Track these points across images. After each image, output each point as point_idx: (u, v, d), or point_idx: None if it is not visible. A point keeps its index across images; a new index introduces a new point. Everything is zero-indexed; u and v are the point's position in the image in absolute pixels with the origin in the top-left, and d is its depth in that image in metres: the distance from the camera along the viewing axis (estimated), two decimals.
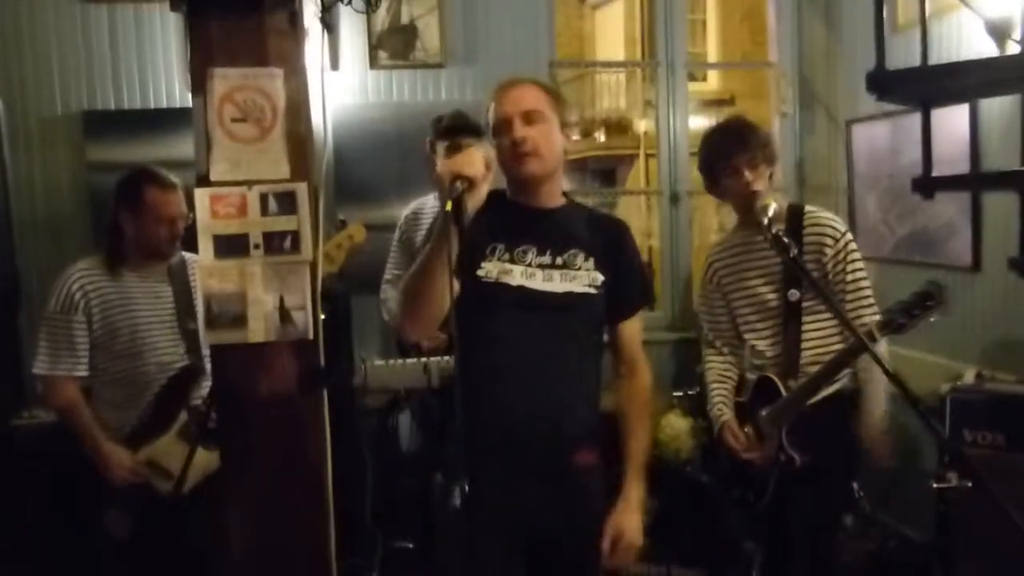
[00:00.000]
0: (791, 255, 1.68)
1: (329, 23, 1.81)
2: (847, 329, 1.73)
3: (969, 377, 2.70)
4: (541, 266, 1.76)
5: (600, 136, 12.08)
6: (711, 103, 11.11)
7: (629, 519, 1.80)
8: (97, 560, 2.42)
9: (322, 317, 1.77)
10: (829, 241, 2.30)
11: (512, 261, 1.75)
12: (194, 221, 1.70)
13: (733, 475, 2.46)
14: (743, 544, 2.93)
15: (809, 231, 2.33)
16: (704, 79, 11.22)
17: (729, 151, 2.29)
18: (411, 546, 3.28)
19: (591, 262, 1.80)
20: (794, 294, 2.31)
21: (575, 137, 1.89)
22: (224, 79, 1.62)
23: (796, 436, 2.28)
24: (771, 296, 2.36)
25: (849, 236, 2.33)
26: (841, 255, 2.29)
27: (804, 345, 2.33)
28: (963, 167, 2.95)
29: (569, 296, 1.76)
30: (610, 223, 1.91)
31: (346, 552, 1.98)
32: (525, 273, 1.75)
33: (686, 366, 3.89)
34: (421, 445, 3.64)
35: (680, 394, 3.69)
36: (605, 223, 1.89)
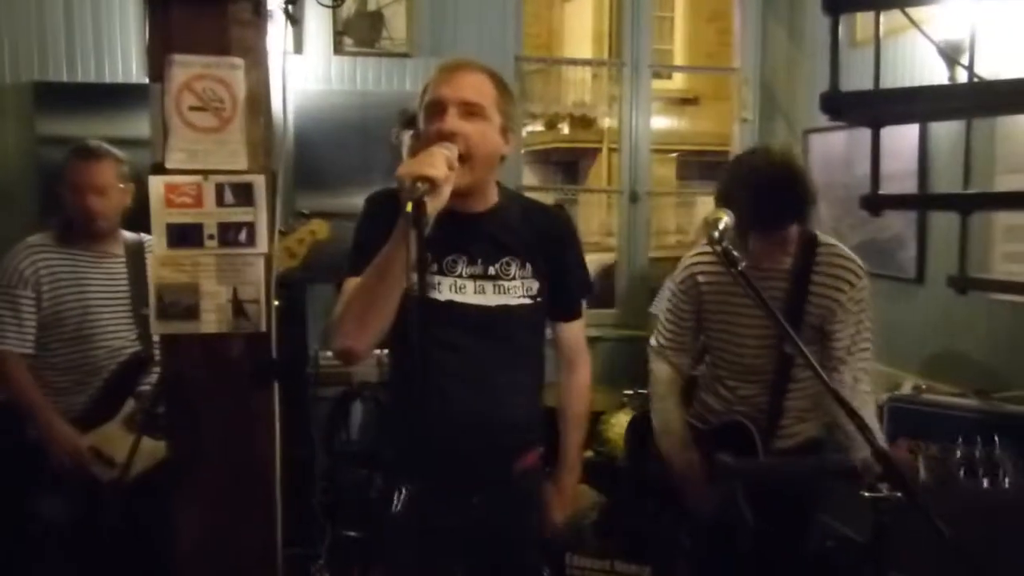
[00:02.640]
0: (738, 269, 1.63)
1: (294, 16, 1.79)
2: (816, 376, 1.57)
3: (908, 387, 2.79)
4: (473, 277, 1.66)
5: (564, 128, 12.11)
6: (675, 102, 11.19)
7: (561, 497, 1.84)
8: (32, 546, 2.36)
9: (276, 304, 1.75)
10: (851, 280, 2.10)
11: (440, 273, 1.64)
12: (144, 204, 1.67)
13: (658, 489, 2.30)
14: (679, 538, 2.96)
15: (824, 267, 2.12)
16: (670, 77, 11.31)
17: (759, 220, 2.05)
18: (358, 535, 3.29)
19: (527, 269, 1.70)
20: (790, 347, 2.08)
21: (523, 135, 1.78)
22: (184, 66, 1.60)
23: (755, 498, 2.11)
24: (761, 339, 2.16)
25: (867, 281, 2.14)
26: (856, 302, 2.10)
27: (787, 403, 2.17)
28: (913, 181, 3.04)
29: (504, 309, 1.67)
30: (549, 220, 1.79)
31: (293, 540, 1.98)
32: (454, 286, 1.65)
33: (638, 364, 3.94)
34: (372, 436, 3.64)
35: (631, 392, 3.74)
36: (544, 220, 1.77)
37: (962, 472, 1.76)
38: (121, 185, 2.41)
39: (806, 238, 2.16)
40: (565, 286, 1.78)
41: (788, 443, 2.21)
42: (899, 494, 1.60)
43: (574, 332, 1.86)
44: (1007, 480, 1.72)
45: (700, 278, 2.25)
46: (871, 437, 1.45)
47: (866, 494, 1.63)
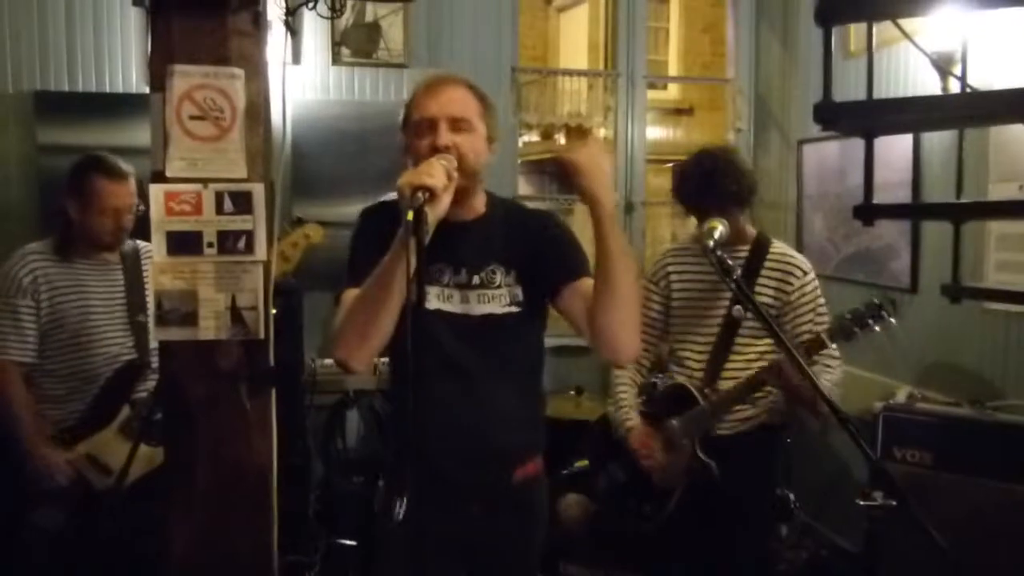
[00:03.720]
0: (734, 277, 1.70)
1: (293, 27, 1.80)
2: (782, 348, 1.74)
3: (901, 396, 2.81)
4: (458, 286, 1.68)
5: (561, 138, 12.14)
6: (670, 112, 11.22)
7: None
8: (28, 554, 2.35)
9: (273, 312, 1.76)
10: (797, 273, 2.33)
11: (428, 282, 1.64)
12: (146, 212, 1.68)
13: (630, 484, 2.43)
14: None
15: (773, 262, 2.36)
16: (664, 88, 11.35)
17: (701, 201, 2.30)
18: (354, 544, 3.29)
19: (512, 276, 1.70)
20: (738, 311, 2.33)
21: (520, 144, 1.77)
22: (184, 77, 1.61)
23: (712, 448, 2.30)
24: (715, 310, 2.38)
25: (814, 275, 2.36)
26: (807, 289, 2.32)
27: (729, 363, 2.34)
28: (906, 190, 3.06)
29: (489, 318, 1.67)
30: (534, 219, 1.78)
31: (288, 548, 1.98)
32: (442, 295, 1.67)
33: None
34: (367, 444, 3.64)
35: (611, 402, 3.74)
36: (529, 221, 1.76)
37: None
38: (138, 202, 2.41)
39: (761, 239, 2.39)
40: (557, 262, 1.69)
41: (742, 427, 2.35)
42: (893, 503, 1.61)
43: (584, 290, 1.63)
44: None
45: (670, 268, 2.47)
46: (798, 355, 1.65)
47: (860, 502, 1.65)
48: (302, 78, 3.72)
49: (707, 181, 2.30)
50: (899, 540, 2.28)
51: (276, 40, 1.87)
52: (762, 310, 1.75)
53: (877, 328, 2.09)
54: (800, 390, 2.11)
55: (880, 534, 2.35)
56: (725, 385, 2.33)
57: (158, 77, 1.62)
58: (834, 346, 2.24)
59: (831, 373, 2.27)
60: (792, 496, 3.19)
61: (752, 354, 2.35)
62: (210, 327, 1.66)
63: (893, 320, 2.08)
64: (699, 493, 2.31)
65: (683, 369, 2.43)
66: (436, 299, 1.66)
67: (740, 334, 2.35)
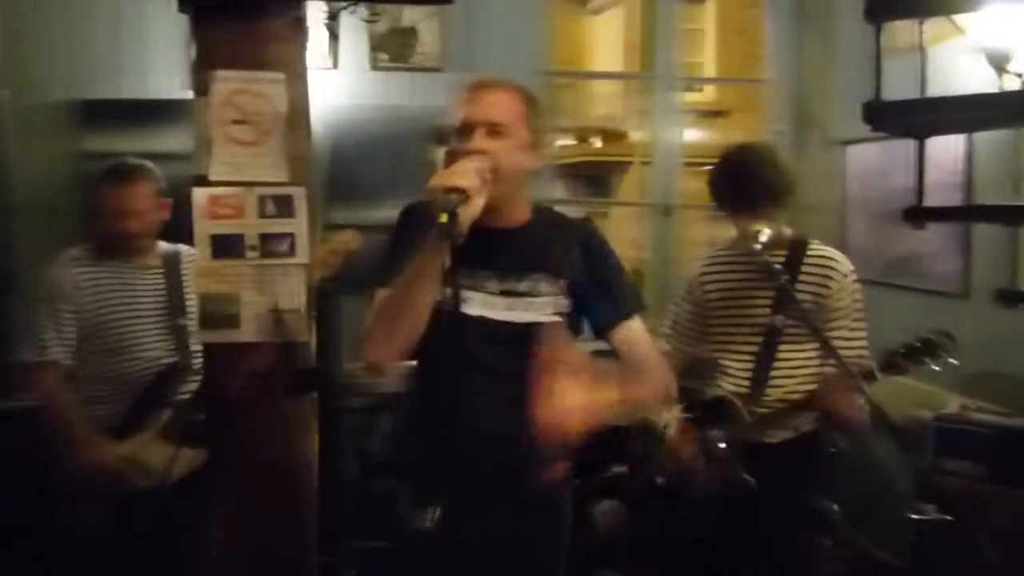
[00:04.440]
0: (780, 282, 1.66)
1: (334, 30, 1.81)
2: (831, 356, 1.68)
3: (953, 406, 2.72)
4: (503, 293, 1.66)
5: (596, 142, 12.11)
6: (706, 115, 11.13)
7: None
8: (68, 554, 2.38)
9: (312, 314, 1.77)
10: (836, 275, 2.25)
11: (472, 288, 1.64)
12: (187, 216, 1.69)
13: (667, 490, 2.39)
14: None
15: (812, 263, 2.28)
16: (700, 90, 11.26)
17: (733, 198, 2.23)
18: (387, 545, 3.28)
19: (558, 285, 1.69)
20: (779, 319, 2.26)
21: (555, 148, 1.75)
22: (226, 82, 1.62)
23: (754, 457, 2.23)
24: (752, 315, 2.31)
25: (855, 276, 2.28)
26: (847, 292, 2.25)
27: (774, 373, 2.28)
28: (956, 192, 2.98)
29: (532, 326, 1.66)
30: (582, 234, 1.77)
31: (325, 550, 1.98)
32: (486, 302, 1.66)
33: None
34: (400, 448, 3.64)
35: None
36: (576, 234, 1.76)
37: None
38: (157, 202, 2.42)
39: (798, 241, 2.30)
40: (605, 296, 1.72)
41: (787, 435, 2.28)
42: (945, 517, 1.56)
43: (629, 338, 1.70)
44: None
45: (706, 277, 2.41)
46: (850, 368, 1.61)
47: (911, 515, 1.60)
48: (339, 83, 3.74)
49: (742, 175, 2.22)
50: (948, 555, 2.21)
51: (315, 45, 1.88)
52: (812, 320, 1.69)
53: (934, 367, 2.02)
54: (847, 417, 2.06)
55: (929, 549, 2.28)
56: (773, 392, 2.27)
57: (200, 82, 1.63)
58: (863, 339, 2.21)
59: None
60: (833, 506, 3.11)
61: (797, 360, 2.29)
62: (251, 329, 1.68)
63: (954, 361, 2.01)
64: (738, 504, 2.25)
65: (727, 378, 2.37)
66: (480, 306, 1.65)
67: (783, 341, 2.29)
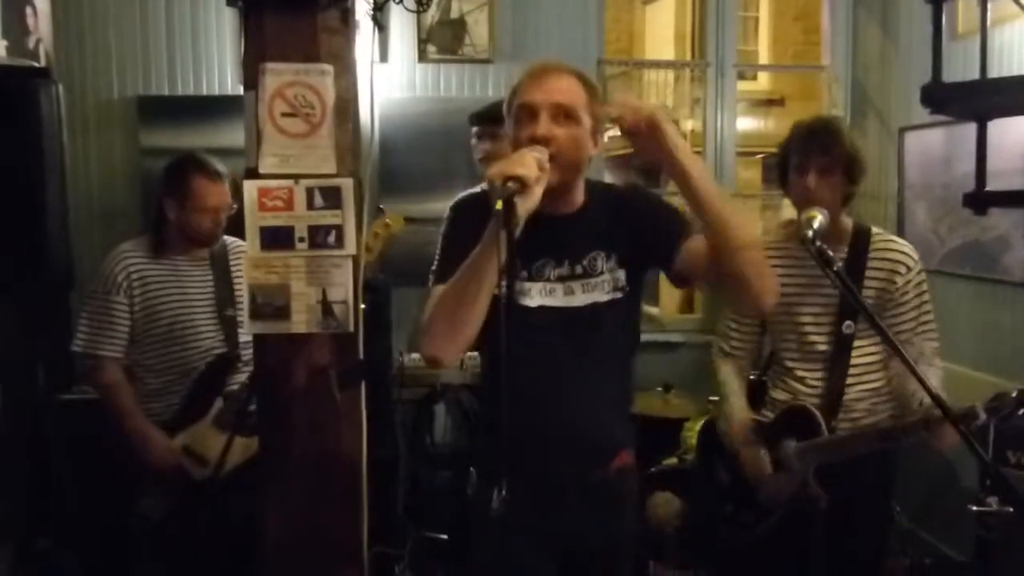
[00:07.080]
0: (835, 269, 1.59)
1: (380, 22, 1.82)
2: (920, 384, 1.52)
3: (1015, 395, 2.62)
4: (561, 279, 1.64)
5: None
6: (760, 103, 10.93)
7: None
8: (136, 543, 2.45)
9: (362, 306, 1.78)
10: (902, 269, 2.16)
11: (530, 279, 1.63)
12: (239, 210, 1.72)
13: (733, 489, 2.33)
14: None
15: (878, 255, 2.17)
16: (754, 78, 11.05)
17: (806, 149, 2.11)
18: (443, 537, 3.31)
19: (614, 260, 1.66)
20: (849, 326, 2.16)
21: (606, 139, 1.69)
22: (276, 74, 1.64)
23: (826, 475, 2.12)
24: (823, 326, 2.20)
25: (922, 267, 2.20)
26: (913, 286, 2.16)
27: (850, 380, 2.18)
28: (1021, 179, 2.87)
29: (594, 307, 1.65)
30: (624, 197, 1.73)
31: (377, 540, 2.00)
32: (544, 290, 1.64)
33: None
34: (455, 438, 3.66)
35: (716, 399, 3.66)
36: (621, 200, 1.71)
37: None
38: (234, 203, 2.46)
39: (860, 230, 2.21)
40: (661, 227, 1.64)
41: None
42: (1010, 508, 1.51)
43: (693, 244, 1.59)
44: None
45: None
46: (934, 392, 1.49)
47: (973, 508, 1.54)
48: (389, 76, 3.77)
49: (820, 134, 2.10)
50: (1014, 549, 2.14)
51: (364, 37, 1.89)
52: (881, 325, 1.57)
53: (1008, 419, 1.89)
54: (940, 449, 1.97)
55: (993, 543, 2.21)
56: (850, 404, 2.18)
57: (251, 75, 1.66)
58: (936, 345, 2.15)
59: (935, 378, 2.12)
60: (893, 502, 3.04)
61: (870, 360, 2.20)
62: (302, 320, 1.70)
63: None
64: (805, 514, 2.15)
65: (799, 386, 2.25)
66: (539, 295, 1.63)
67: (855, 347, 2.19)
